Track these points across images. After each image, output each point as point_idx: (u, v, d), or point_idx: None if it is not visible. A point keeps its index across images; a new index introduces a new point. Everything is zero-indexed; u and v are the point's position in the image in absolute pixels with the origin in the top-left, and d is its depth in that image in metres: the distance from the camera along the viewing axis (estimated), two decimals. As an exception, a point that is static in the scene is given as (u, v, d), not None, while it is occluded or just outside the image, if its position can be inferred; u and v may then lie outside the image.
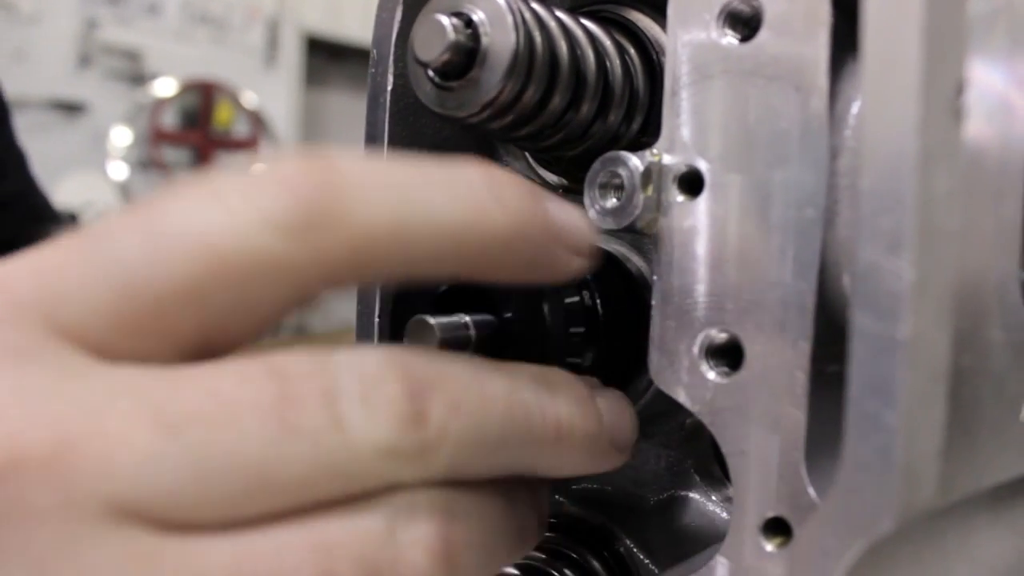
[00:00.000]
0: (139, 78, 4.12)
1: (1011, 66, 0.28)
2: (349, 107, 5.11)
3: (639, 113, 0.40)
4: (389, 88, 0.37)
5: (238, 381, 0.24)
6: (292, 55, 4.61)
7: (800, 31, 0.31)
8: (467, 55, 0.32)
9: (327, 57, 4.93)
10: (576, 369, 0.35)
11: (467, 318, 0.34)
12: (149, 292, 0.23)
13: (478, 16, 0.33)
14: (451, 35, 0.32)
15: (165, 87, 4.19)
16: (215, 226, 0.23)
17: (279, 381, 0.24)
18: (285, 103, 4.60)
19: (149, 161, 4.19)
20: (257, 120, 4.48)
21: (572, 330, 0.34)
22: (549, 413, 0.30)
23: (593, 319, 0.36)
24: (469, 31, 0.32)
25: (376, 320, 0.38)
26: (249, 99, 4.45)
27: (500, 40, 0.33)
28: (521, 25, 0.33)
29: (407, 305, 0.36)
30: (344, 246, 0.25)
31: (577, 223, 0.31)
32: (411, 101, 0.38)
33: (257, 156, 4.45)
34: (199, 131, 4.32)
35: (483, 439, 0.27)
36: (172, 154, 4.29)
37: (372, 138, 0.38)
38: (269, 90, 4.52)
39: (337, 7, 4.74)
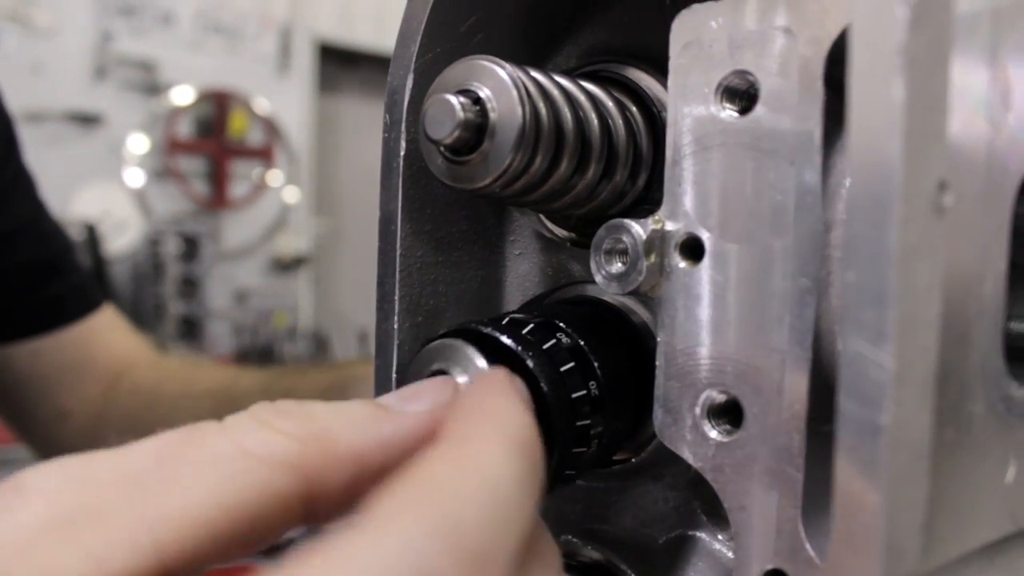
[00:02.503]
0: (154, 88, 4.16)
1: (992, 68, 0.29)
2: (361, 113, 5.14)
3: (644, 170, 0.41)
4: (402, 153, 0.39)
5: None
6: (305, 62, 4.64)
7: (794, 107, 0.32)
8: (476, 131, 0.34)
9: (339, 64, 4.96)
10: (583, 455, 0.36)
11: None
12: (185, 537, 0.26)
13: (485, 92, 0.34)
14: (460, 114, 0.33)
15: (181, 96, 4.22)
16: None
17: None
18: (298, 110, 4.63)
19: (165, 170, 4.23)
20: (271, 127, 4.51)
21: (579, 423, 0.36)
22: None
23: (599, 406, 0.37)
24: (477, 108, 0.34)
25: (394, 376, 0.39)
26: (263, 107, 4.48)
27: (507, 115, 0.34)
28: (526, 98, 0.35)
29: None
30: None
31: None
32: (424, 164, 0.39)
33: (272, 163, 4.47)
34: (214, 140, 4.36)
35: None
36: (187, 163, 4.33)
37: (387, 201, 0.39)
38: (282, 97, 4.55)
39: (349, 14, 4.77)
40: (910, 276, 0.24)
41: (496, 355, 0.36)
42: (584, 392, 0.37)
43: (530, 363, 0.35)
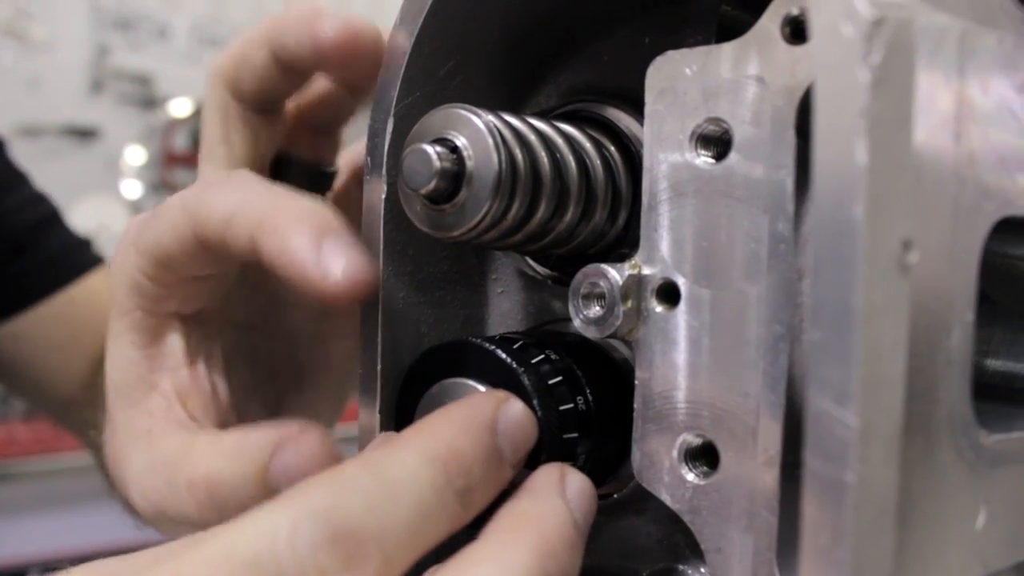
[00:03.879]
0: (151, 102, 4.17)
1: (960, 83, 0.29)
2: (356, 123, 5.14)
3: (623, 208, 0.42)
4: (383, 196, 0.39)
5: None
6: (301, 74, 4.64)
7: (767, 155, 0.32)
8: (454, 179, 0.34)
9: (336, 75, 4.97)
10: None
11: None
12: None
13: (461, 141, 0.35)
14: (437, 163, 0.34)
15: (178, 109, 4.23)
16: None
17: None
18: (295, 121, 4.63)
19: (162, 183, 4.24)
20: (267, 139, 4.51)
21: (566, 436, 0.36)
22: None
23: (586, 423, 0.37)
24: (454, 156, 0.34)
25: (377, 418, 0.40)
26: (259, 118, 4.48)
27: (483, 163, 0.35)
28: (502, 145, 0.35)
29: (407, 404, 0.38)
30: None
31: (524, 447, 0.35)
32: (405, 207, 0.40)
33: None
34: (210, 152, 4.36)
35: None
36: (184, 176, 4.33)
37: (369, 243, 0.40)
38: (279, 109, 4.55)
39: (345, 26, 4.77)
40: (874, 335, 0.24)
41: (486, 366, 0.36)
42: (571, 406, 0.37)
43: (520, 375, 0.36)
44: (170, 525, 0.43)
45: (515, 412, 0.34)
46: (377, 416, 0.40)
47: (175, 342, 0.44)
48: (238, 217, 0.38)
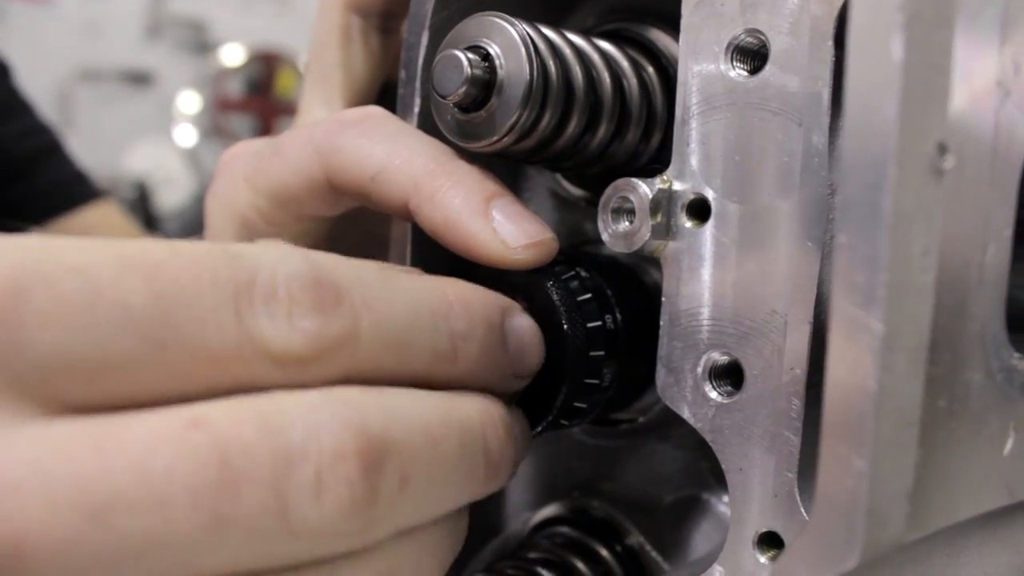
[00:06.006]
0: (205, 48, 4.20)
1: (1003, 34, 0.28)
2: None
3: (658, 130, 0.41)
4: (416, 110, 0.39)
5: (175, 455, 0.23)
6: (353, 22, 4.62)
7: (803, 67, 0.32)
8: (484, 87, 0.34)
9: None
10: (595, 389, 0.37)
11: None
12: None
13: (494, 49, 0.34)
14: (468, 70, 0.33)
15: (231, 55, 4.26)
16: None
17: (220, 458, 0.23)
18: (346, 70, 4.62)
19: (215, 129, 4.28)
20: (319, 87, 4.52)
21: (592, 353, 0.36)
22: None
23: (613, 342, 0.37)
24: (486, 64, 0.34)
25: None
26: (311, 67, 4.49)
27: (515, 71, 0.34)
28: (535, 55, 0.34)
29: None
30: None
31: (533, 362, 0.35)
32: (437, 121, 0.39)
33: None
34: (262, 99, 4.39)
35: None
36: (237, 122, 4.37)
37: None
38: (331, 57, 4.55)
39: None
40: (904, 240, 0.23)
41: (515, 279, 0.36)
42: (599, 324, 0.37)
43: (549, 289, 0.36)
44: None
45: (521, 322, 0.35)
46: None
47: None
48: (388, 175, 0.36)
